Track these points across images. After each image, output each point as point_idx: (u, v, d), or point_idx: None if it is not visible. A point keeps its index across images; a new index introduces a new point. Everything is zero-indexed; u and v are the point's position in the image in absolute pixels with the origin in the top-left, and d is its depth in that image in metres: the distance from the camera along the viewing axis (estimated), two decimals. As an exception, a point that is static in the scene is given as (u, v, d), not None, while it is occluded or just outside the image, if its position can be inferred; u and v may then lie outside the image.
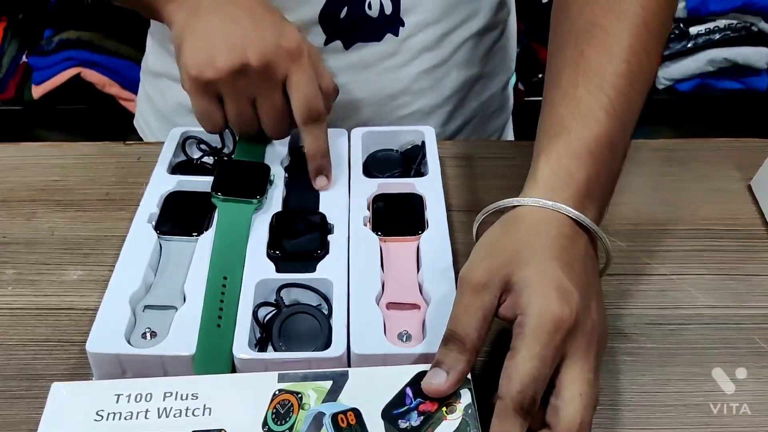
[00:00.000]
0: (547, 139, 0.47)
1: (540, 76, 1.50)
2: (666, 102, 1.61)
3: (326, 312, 0.51)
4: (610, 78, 0.47)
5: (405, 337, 0.49)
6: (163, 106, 0.78)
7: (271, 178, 0.59)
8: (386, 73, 0.69)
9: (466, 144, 0.71)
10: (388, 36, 0.67)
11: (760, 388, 0.49)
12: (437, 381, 0.42)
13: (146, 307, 0.51)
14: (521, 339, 0.40)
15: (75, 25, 1.43)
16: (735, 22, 1.50)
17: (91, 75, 1.42)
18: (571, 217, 0.44)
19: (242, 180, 0.58)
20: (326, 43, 0.67)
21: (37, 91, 1.42)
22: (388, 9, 0.65)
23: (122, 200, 0.63)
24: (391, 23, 0.66)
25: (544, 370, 0.39)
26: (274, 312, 0.51)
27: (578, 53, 0.49)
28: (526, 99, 1.56)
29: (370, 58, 0.69)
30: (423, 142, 0.64)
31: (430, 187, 0.60)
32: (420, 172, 0.63)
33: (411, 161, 0.64)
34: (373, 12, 0.65)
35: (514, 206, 0.46)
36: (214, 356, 0.47)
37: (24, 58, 1.48)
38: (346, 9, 0.64)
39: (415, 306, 0.51)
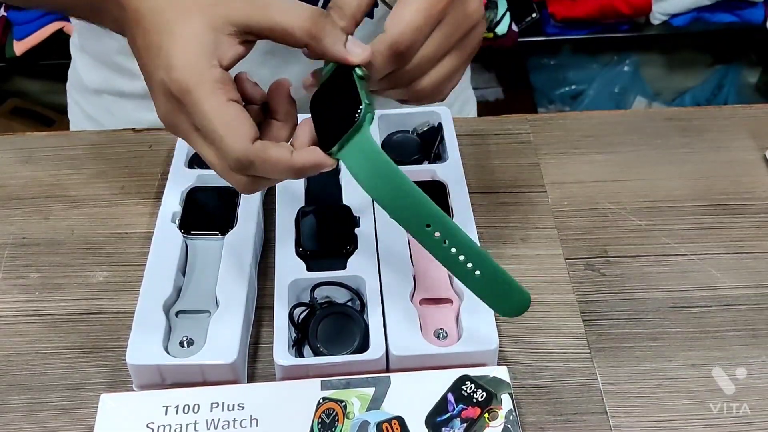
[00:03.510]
0: None
1: (534, 15, 1.48)
2: (660, 37, 1.60)
3: (359, 308, 0.52)
4: None
5: (441, 335, 0.50)
6: (115, 125, 0.72)
7: (360, 73, 0.43)
8: None
9: (479, 120, 0.70)
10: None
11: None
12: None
13: (179, 312, 0.52)
14: None
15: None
16: (731, -47, 1.48)
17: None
18: None
19: (336, 112, 0.43)
20: None
21: (20, 47, 1.38)
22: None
23: (138, 193, 0.63)
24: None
25: (427, 26, 0.42)
26: (309, 312, 0.52)
27: None
28: (519, 40, 1.54)
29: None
30: (440, 124, 0.64)
31: (451, 172, 0.60)
32: (438, 155, 0.63)
33: (428, 144, 0.63)
34: None
35: None
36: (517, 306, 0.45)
37: (2, 12, 1.43)
38: None
39: (448, 301, 0.52)
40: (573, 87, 1.82)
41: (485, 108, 1.88)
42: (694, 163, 0.65)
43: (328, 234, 0.55)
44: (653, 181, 0.64)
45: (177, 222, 0.56)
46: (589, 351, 0.52)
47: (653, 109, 0.64)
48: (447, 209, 0.58)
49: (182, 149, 0.62)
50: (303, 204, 0.58)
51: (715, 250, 0.58)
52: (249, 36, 0.43)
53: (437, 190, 0.59)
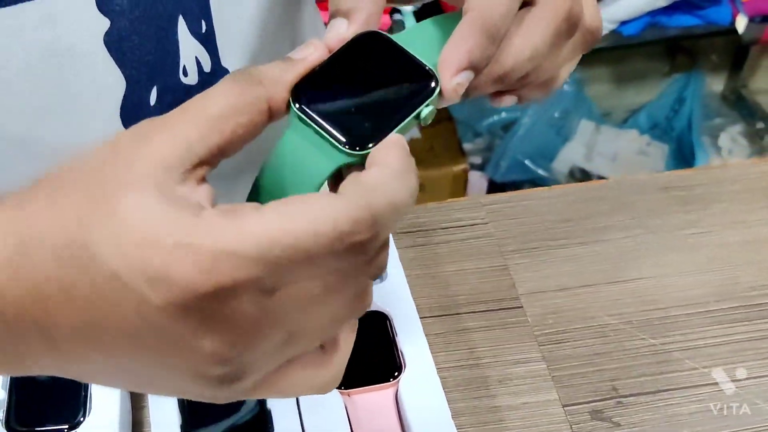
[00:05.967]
0: None
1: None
2: (607, 50, 1.62)
3: None
4: None
5: None
6: None
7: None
8: None
9: (418, 210, 0.66)
10: None
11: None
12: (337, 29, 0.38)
13: None
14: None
15: None
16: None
17: None
18: None
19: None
20: None
21: None
22: (207, 65, 0.59)
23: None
24: (216, 79, 0.60)
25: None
26: None
27: None
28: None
29: None
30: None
31: (394, 296, 0.56)
32: (372, 270, 0.58)
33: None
34: (191, 78, 0.58)
35: None
36: None
37: None
38: (155, 89, 0.57)
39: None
40: (503, 115, 1.84)
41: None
42: (707, 247, 0.64)
43: (222, 411, 0.49)
44: (660, 278, 0.62)
45: (1, 416, 0.50)
46: None
47: (642, 177, 0.62)
48: (396, 355, 0.53)
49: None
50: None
51: (757, 371, 0.56)
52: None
53: (379, 327, 0.54)
